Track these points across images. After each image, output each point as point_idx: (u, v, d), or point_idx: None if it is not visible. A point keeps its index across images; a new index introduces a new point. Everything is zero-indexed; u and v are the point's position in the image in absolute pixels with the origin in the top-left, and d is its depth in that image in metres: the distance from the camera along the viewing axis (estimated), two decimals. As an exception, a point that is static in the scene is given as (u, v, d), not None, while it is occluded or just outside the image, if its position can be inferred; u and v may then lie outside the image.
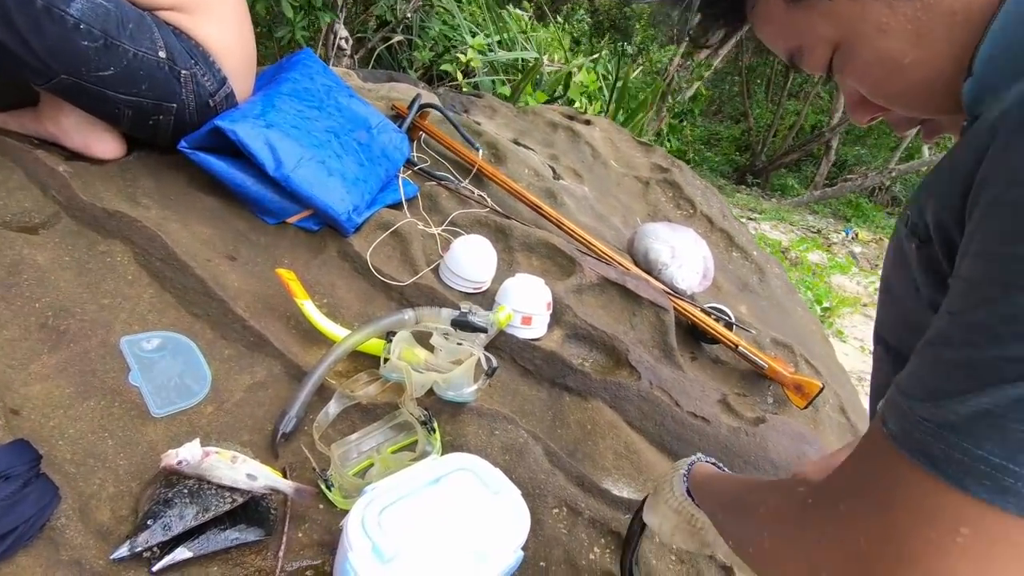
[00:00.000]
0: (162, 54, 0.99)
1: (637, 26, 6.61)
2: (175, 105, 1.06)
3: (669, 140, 5.17)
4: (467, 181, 1.59)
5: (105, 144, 1.10)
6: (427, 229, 1.37)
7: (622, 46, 4.09)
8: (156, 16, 1.00)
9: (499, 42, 3.12)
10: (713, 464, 0.75)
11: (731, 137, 10.33)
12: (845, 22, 0.45)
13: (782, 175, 9.05)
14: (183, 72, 1.03)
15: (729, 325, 1.52)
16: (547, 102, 2.96)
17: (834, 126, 7.93)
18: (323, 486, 0.85)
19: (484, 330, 1.07)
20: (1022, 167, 0.32)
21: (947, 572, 0.33)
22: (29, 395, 0.78)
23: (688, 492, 0.72)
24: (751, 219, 6.24)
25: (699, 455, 0.76)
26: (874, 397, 0.59)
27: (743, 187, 8.57)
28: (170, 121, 1.07)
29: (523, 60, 3.09)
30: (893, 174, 7.35)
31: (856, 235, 6.34)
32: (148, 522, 0.70)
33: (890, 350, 0.51)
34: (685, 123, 5.70)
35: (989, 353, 0.31)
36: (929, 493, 0.33)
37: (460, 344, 1.05)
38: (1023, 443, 0.30)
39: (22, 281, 0.89)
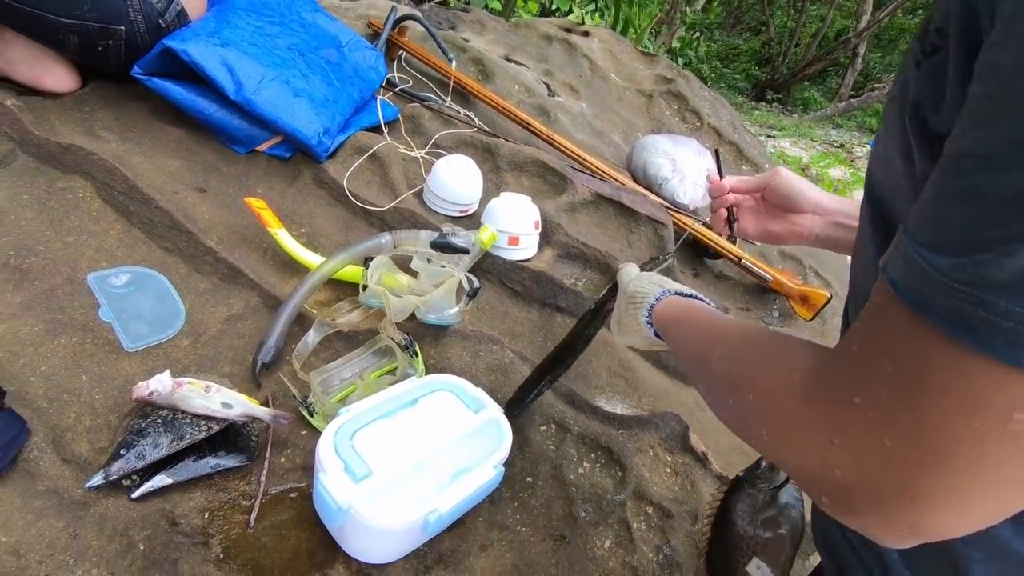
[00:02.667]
0: (96, -33, 0.91)
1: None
2: (123, 28, 0.98)
3: (678, 57, 4.88)
4: (449, 99, 1.50)
5: (56, 76, 1.04)
6: (408, 152, 1.30)
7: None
8: (85, -76, 0.92)
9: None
10: (682, 295, 0.65)
11: (750, 50, 9.72)
12: None
13: (805, 88, 8.56)
14: (124, -12, 0.95)
15: (732, 239, 1.45)
16: (542, 14, 2.77)
17: (861, 30, 7.39)
18: (305, 413, 0.84)
19: (465, 251, 1.02)
20: None
21: (996, 469, 0.27)
22: (-5, 334, 0.77)
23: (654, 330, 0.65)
24: (770, 136, 5.96)
25: (666, 289, 0.67)
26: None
27: (763, 103, 8.15)
28: (120, 46, 1.01)
29: (516, -29, 2.87)
30: (924, 79, 6.87)
31: (882, 147, 6.03)
32: (121, 451, 0.69)
33: (872, 200, 0.43)
34: (700, 36, 5.35)
35: None
36: (971, 374, 0.26)
37: (443, 267, 1.01)
38: None
39: (-20, 221, 0.86)
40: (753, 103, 8.03)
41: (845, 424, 0.32)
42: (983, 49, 0.26)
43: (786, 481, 0.67)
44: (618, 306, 0.74)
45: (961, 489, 0.28)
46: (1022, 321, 0.24)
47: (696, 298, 0.65)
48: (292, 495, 0.78)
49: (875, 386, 0.30)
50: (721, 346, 0.49)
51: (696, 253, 1.46)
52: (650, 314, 0.65)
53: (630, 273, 0.75)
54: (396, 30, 1.56)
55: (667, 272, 0.77)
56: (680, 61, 5.07)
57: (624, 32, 3.37)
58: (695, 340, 0.55)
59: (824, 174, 5.12)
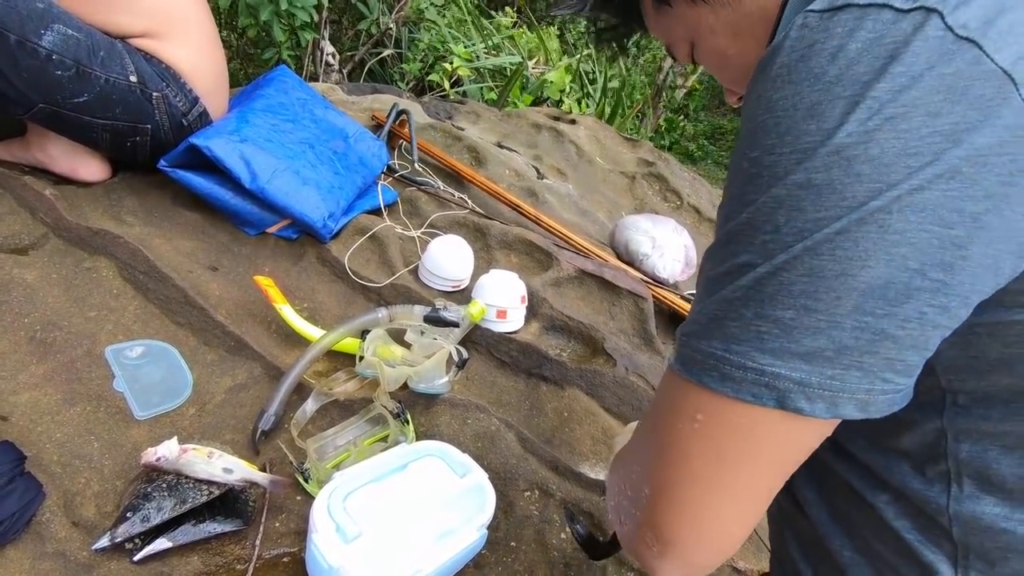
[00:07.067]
0: (133, 78, 1.04)
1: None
2: (150, 126, 1.11)
3: (664, 137, 5.18)
4: (444, 184, 1.63)
5: (90, 167, 1.16)
6: (406, 232, 1.41)
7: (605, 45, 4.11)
8: (127, 43, 1.06)
9: (485, 49, 3.18)
10: None
11: (735, 129, 10.28)
12: (690, 25, 0.53)
13: (787, 164, 8.99)
14: (154, 94, 1.08)
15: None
16: (534, 104, 3.00)
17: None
18: (300, 478, 0.88)
19: (456, 324, 1.10)
20: (747, 106, 0.37)
21: (686, 454, 0.39)
22: (18, 403, 0.83)
23: None
24: (755, 210, 6.21)
25: None
26: None
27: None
28: (147, 141, 1.13)
29: (508, 65, 3.13)
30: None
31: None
32: (127, 514, 0.74)
33: None
34: (684, 120, 5.70)
35: (718, 271, 0.38)
36: (679, 392, 0.40)
37: (435, 339, 1.09)
38: (735, 335, 0.36)
39: (12, 299, 0.94)
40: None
41: (636, 451, 0.46)
42: None
43: None
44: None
45: (676, 485, 0.40)
46: (701, 352, 0.38)
47: None
48: (285, 559, 0.81)
49: (647, 415, 0.46)
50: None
51: (675, 325, 1.54)
52: None
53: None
54: (397, 122, 1.71)
55: None
56: (667, 141, 5.38)
57: (613, 114, 3.61)
58: None
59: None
